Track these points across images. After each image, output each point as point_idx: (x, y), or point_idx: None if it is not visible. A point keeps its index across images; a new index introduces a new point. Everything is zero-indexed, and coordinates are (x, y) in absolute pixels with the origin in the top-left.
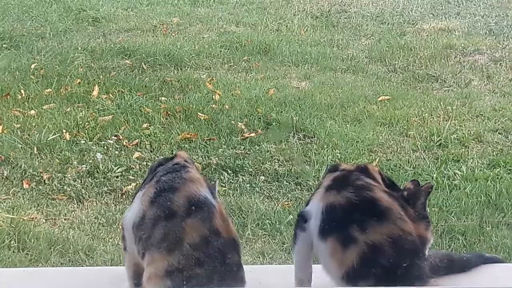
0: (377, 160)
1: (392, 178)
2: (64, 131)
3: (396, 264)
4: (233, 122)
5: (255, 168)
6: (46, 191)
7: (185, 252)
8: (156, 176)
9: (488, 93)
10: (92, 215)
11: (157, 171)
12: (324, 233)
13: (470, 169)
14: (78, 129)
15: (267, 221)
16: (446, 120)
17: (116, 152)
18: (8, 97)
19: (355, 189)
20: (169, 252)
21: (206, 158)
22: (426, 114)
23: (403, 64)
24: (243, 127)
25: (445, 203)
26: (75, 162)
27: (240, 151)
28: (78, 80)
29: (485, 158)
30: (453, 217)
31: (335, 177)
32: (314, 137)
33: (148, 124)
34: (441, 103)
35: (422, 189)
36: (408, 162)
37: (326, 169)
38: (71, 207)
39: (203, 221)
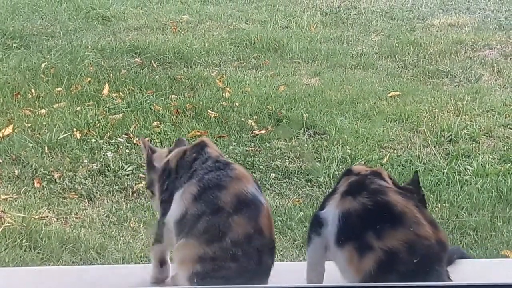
0: (387, 156)
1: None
2: (74, 129)
3: (414, 270)
4: (243, 119)
5: (266, 165)
6: (57, 190)
7: (224, 246)
8: (197, 175)
9: (498, 88)
10: (103, 213)
11: (193, 167)
12: (340, 241)
13: (481, 164)
14: (89, 128)
15: (278, 218)
16: (457, 116)
17: (127, 151)
18: (19, 96)
19: (369, 193)
20: (207, 242)
21: None
22: (436, 110)
23: (413, 60)
24: (253, 124)
25: (456, 198)
26: (86, 161)
27: (250, 148)
28: (88, 79)
29: (496, 153)
30: (464, 212)
31: (350, 182)
32: (325, 133)
33: (158, 122)
34: (452, 98)
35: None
36: (419, 158)
37: (342, 173)
38: (82, 206)
39: (250, 218)
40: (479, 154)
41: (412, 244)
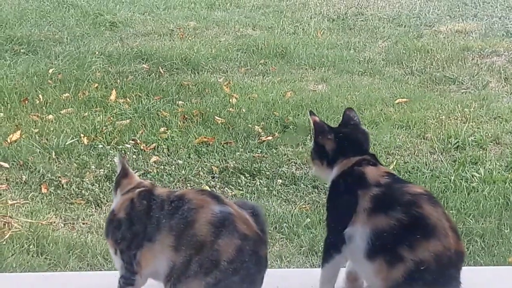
0: (394, 162)
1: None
2: (82, 135)
3: (437, 279)
4: (250, 125)
5: (272, 171)
6: (64, 196)
7: (222, 269)
8: (164, 225)
9: (505, 94)
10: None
11: (153, 216)
12: (371, 255)
13: (488, 171)
14: (96, 134)
15: (285, 224)
16: (464, 122)
17: (134, 156)
18: (26, 102)
19: (404, 207)
20: (206, 274)
21: (223, 161)
22: (443, 116)
23: (420, 67)
24: (260, 130)
25: (463, 205)
26: (93, 167)
27: (257, 154)
28: (96, 85)
29: (503, 160)
30: (471, 219)
31: (375, 197)
32: None
33: (166, 128)
34: (459, 105)
35: None
36: (426, 165)
37: (351, 182)
38: (89, 211)
39: (231, 234)
40: (486, 161)
41: (439, 255)
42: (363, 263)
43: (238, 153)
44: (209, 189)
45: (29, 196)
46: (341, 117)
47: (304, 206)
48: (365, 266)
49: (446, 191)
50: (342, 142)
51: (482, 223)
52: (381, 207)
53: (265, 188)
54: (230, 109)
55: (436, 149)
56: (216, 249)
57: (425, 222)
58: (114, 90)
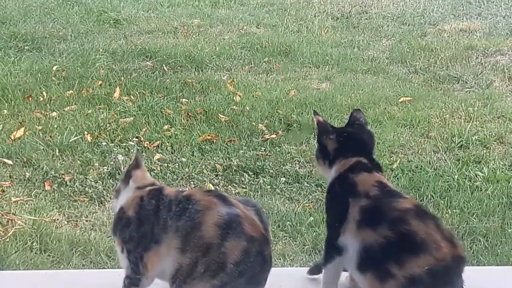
0: (398, 161)
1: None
2: (85, 132)
3: None
4: (253, 123)
5: (276, 169)
6: (67, 193)
7: (228, 271)
8: (170, 226)
9: (509, 94)
10: (113, 216)
11: (160, 217)
12: (362, 269)
13: (492, 170)
14: (100, 131)
15: (288, 222)
16: (468, 121)
17: None
18: (30, 99)
19: (391, 224)
20: (212, 277)
21: (227, 159)
22: (447, 115)
23: (424, 65)
24: (263, 128)
25: (467, 204)
26: (97, 164)
27: (260, 152)
28: (100, 82)
29: (506, 159)
30: (474, 218)
31: (363, 208)
32: None
33: (169, 126)
34: (462, 104)
35: None
36: (429, 164)
37: (342, 188)
38: (93, 209)
39: (238, 236)
40: (490, 160)
41: (432, 268)
42: (356, 275)
43: (241, 151)
44: (215, 189)
45: (32, 193)
46: (345, 116)
47: (307, 204)
48: (358, 277)
49: (449, 190)
50: (344, 143)
51: (486, 223)
52: (368, 221)
53: (269, 186)
54: (234, 107)
55: (440, 148)
56: (223, 251)
57: (413, 239)
58: (118, 88)
